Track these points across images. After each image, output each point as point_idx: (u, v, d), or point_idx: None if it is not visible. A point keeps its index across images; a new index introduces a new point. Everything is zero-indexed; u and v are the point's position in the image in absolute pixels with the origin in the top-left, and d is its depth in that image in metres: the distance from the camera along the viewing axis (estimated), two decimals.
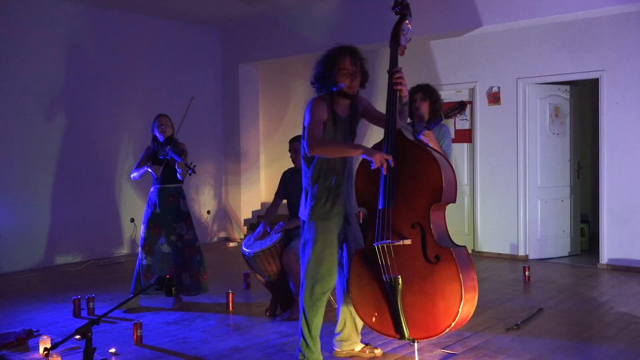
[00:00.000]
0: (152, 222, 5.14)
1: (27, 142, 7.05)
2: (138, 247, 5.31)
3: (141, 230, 5.24)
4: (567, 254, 7.26)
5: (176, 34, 8.53)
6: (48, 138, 7.23)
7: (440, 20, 6.87)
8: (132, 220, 7.88)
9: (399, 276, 3.30)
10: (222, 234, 9.18)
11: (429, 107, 4.63)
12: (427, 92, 4.69)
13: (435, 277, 3.21)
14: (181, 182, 5.27)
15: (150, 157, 5.26)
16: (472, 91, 7.38)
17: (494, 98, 7.20)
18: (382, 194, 3.32)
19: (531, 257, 7.07)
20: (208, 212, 8.95)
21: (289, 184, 5.08)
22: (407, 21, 3.43)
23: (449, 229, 3.50)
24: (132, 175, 5.37)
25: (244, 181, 9.06)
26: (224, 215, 9.18)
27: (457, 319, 3.16)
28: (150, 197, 5.23)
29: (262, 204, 9.26)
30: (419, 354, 3.79)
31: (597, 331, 4.38)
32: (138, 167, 5.29)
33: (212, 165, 9.06)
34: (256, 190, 9.27)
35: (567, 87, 7.25)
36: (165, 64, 8.39)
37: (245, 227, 8.92)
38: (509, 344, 4.03)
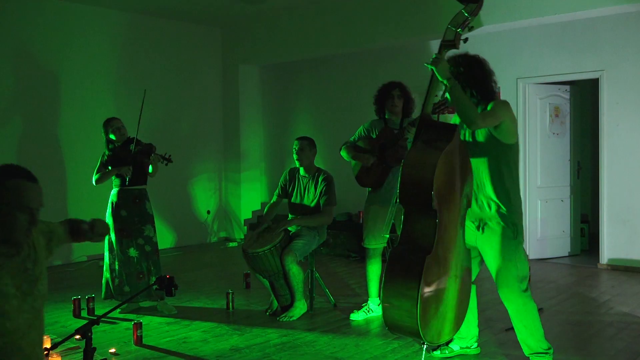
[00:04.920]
0: (119, 225, 4.94)
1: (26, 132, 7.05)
2: (105, 251, 5.08)
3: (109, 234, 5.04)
4: (567, 254, 7.26)
5: (176, 34, 8.53)
6: (59, 130, 7.24)
7: (440, 21, 6.86)
8: None
9: None
10: (222, 234, 9.18)
11: (403, 105, 4.69)
12: (404, 90, 4.73)
13: None
14: (145, 183, 5.11)
15: (111, 162, 5.03)
16: None
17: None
18: None
19: (531, 257, 7.07)
20: (208, 212, 8.95)
21: (289, 184, 5.10)
22: (464, 12, 3.26)
23: None
24: (94, 181, 5.07)
25: (244, 181, 9.06)
26: (224, 215, 9.18)
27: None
28: (113, 199, 5.01)
29: (262, 204, 9.26)
30: (417, 354, 3.80)
31: (597, 331, 4.38)
32: (99, 172, 5.04)
33: (212, 165, 9.06)
34: (256, 190, 9.27)
35: (567, 87, 7.25)
36: (165, 64, 8.38)
37: (245, 227, 8.92)
38: (508, 345, 4.02)
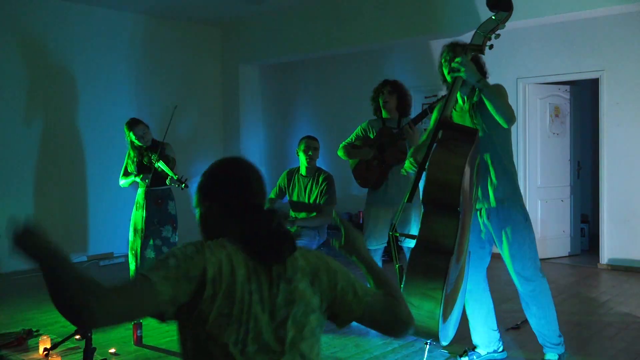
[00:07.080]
0: (138, 225, 5.02)
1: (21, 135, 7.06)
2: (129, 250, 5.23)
3: (129, 234, 5.13)
4: (567, 254, 7.26)
5: (176, 34, 8.52)
6: (49, 135, 7.25)
7: (440, 21, 6.86)
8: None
9: (399, 265, 3.50)
10: None
11: (397, 101, 4.67)
12: (396, 86, 4.70)
13: None
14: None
15: (136, 169, 5.16)
16: None
17: None
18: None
19: None
20: None
21: (289, 185, 5.09)
22: (494, 18, 3.29)
23: None
24: (120, 183, 5.25)
25: None
26: None
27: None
28: (138, 199, 5.11)
29: None
30: (417, 354, 3.79)
31: (597, 331, 4.38)
32: (125, 175, 5.20)
33: None
34: None
35: (567, 87, 7.25)
36: (165, 64, 8.37)
37: None
38: (509, 344, 4.03)
